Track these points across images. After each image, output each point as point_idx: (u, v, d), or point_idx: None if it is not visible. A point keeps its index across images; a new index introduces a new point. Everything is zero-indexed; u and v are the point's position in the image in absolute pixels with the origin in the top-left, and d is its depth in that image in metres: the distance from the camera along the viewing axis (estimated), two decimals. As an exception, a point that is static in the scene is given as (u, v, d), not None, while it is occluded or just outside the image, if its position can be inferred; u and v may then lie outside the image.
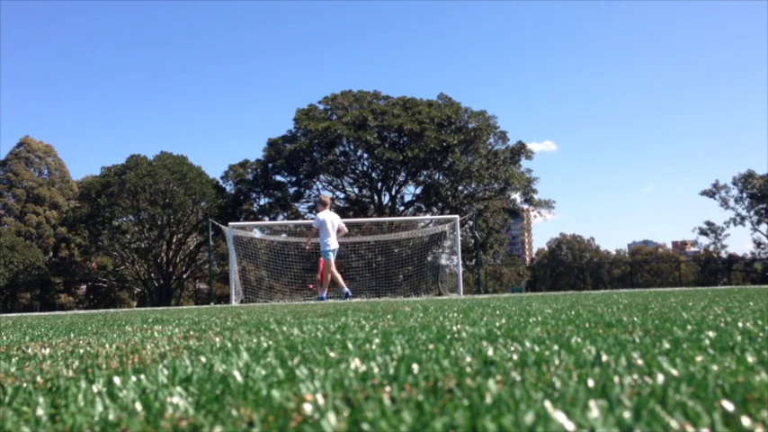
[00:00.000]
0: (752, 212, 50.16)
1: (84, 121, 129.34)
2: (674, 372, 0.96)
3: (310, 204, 40.36)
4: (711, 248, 54.05)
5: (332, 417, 0.73)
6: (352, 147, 37.96)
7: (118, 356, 1.60)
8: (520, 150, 38.22)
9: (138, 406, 0.86)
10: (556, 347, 1.34)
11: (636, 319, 2.20)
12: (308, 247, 12.48)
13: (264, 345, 1.72)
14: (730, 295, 4.77)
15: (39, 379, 1.22)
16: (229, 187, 41.43)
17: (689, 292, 6.50)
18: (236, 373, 1.11)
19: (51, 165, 53.09)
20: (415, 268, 26.98)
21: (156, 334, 2.45)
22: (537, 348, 1.33)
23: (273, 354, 1.44)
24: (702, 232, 54.22)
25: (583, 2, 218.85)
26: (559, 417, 0.69)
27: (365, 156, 38.28)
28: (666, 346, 1.32)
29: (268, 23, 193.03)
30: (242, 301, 18.70)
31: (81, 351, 1.81)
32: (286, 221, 35.20)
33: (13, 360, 1.63)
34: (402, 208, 39.87)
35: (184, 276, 43.54)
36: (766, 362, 1.03)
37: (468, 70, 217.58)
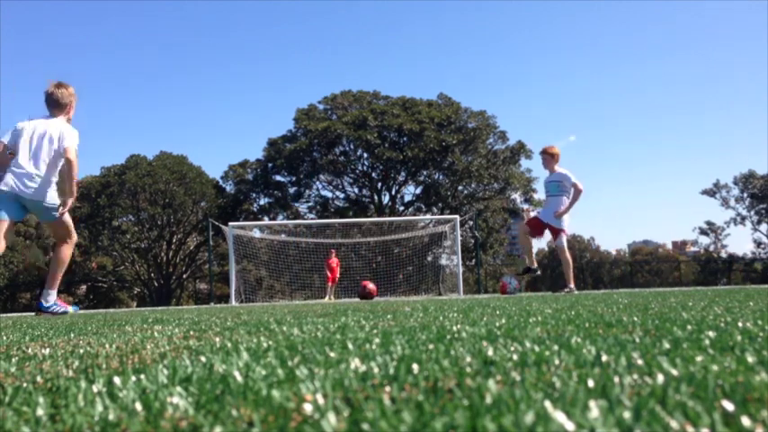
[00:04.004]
0: (752, 212, 50.22)
1: (84, 121, 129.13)
2: (674, 372, 0.96)
3: (310, 204, 40.43)
4: (711, 248, 54.10)
5: (332, 417, 0.73)
6: (352, 146, 38.00)
7: (118, 356, 1.60)
8: (519, 150, 38.26)
9: (138, 406, 0.86)
10: (556, 347, 1.34)
11: (636, 319, 2.20)
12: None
13: (264, 345, 1.72)
14: (730, 295, 4.77)
15: (39, 379, 1.22)
16: (229, 187, 41.49)
17: (689, 292, 6.50)
18: (236, 373, 1.11)
19: (51, 165, 53.09)
20: (415, 268, 27.00)
21: (156, 334, 2.46)
22: (537, 348, 1.33)
23: (273, 354, 1.44)
24: (702, 232, 54.27)
25: (583, 2, 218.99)
26: (559, 417, 0.69)
27: (365, 155, 38.31)
28: (666, 346, 1.32)
29: (268, 23, 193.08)
30: (242, 301, 18.70)
31: (81, 351, 1.81)
32: (286, 221, 35.21)
33: (13, 360, 1.63)
34: (402, 208, 39.90)
35: (184, 276, 43.56)
36: (766, 362, 1.03)
37: (469, 70, 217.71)
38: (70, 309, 6.40)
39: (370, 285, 13.80)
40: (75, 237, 6.21)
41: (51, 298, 6.12)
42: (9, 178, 5.67)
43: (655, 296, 5.25)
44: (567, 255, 9.08)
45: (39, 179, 5.68)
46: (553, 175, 9.17)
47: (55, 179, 5.82)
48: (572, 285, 9.03)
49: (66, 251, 6.10)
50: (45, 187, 5.72)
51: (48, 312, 6.08)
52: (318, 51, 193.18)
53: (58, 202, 5.84)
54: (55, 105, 5.79)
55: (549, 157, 9.22)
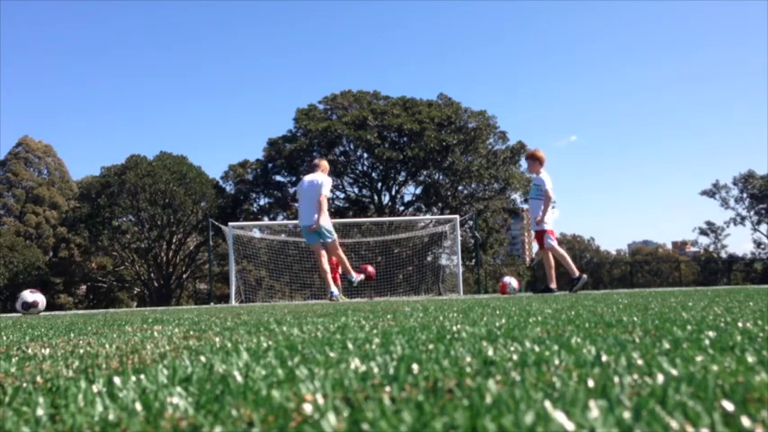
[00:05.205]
0: (752, 212, 50.21)
1: (84, 121, 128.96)
2: (674, 372, 0.96)
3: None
4: (711, 248, 54.09)
5: (332, 417, 0.73)
6: (352, 146, 37.98)
7: (118, 356, 1.60)
8: (520, 150, 38.22)
9: (138, 406, 0.86)
10: (556, 347, 1.34)
11: (636, 319, 2.20)
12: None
13: (264, 345, 1.71)
14: (730, 295, 4.77)
15: (39, 379, 1.22)
16: (229, 187, 41.48)
17: (689, 292, 6.50)
18: (236, 373, 1.11)
19: (51, 165, 53.09)
20: (415, 268, 26.98)
21: (156, 334, 2.45)
22: (537, 348, 1.33)
23: (273, 354, 1.44)
24: (702, 232, 54.27)
25: (583, 2, 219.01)
26: (559, 417, 0.69)
27: (365, 155, 38.30)
28: (666, 346, 1.32)
29: (268, 23, 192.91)
30: (242, 302, 18.69)
31: (81, 351, 1.81)
32: (286, 221, 35.15)
33: (13, 360, 1.63)
34: (402, 208, 39.88)
35: (184, 276, 43.53)
36: (766, 362, 1.03)
37: (469, 70, 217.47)
38: (342, 299, 9.48)
39: (370, 268, 13.71)
40: (339, 254, 9.44)
41: (335, 290, 9.37)
42: (299, 216, 9.43)
43: (655, 296, 5.25)
44: (559, 251, 9.13)
45: (311, 212, 9.19)
46: (535, 178, 9.36)
47: (319, 211, 9.17)
48: (553, 285, 9.11)
49: (325, 264, 9.23)
50: (313, 216, 9.14)
51: (333, 299, 9.11)
52: (318, 51, 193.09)
53: (327, 226, 9.20)
54: (314, 168, 9.46)
55: (530, 160, 9.43)
